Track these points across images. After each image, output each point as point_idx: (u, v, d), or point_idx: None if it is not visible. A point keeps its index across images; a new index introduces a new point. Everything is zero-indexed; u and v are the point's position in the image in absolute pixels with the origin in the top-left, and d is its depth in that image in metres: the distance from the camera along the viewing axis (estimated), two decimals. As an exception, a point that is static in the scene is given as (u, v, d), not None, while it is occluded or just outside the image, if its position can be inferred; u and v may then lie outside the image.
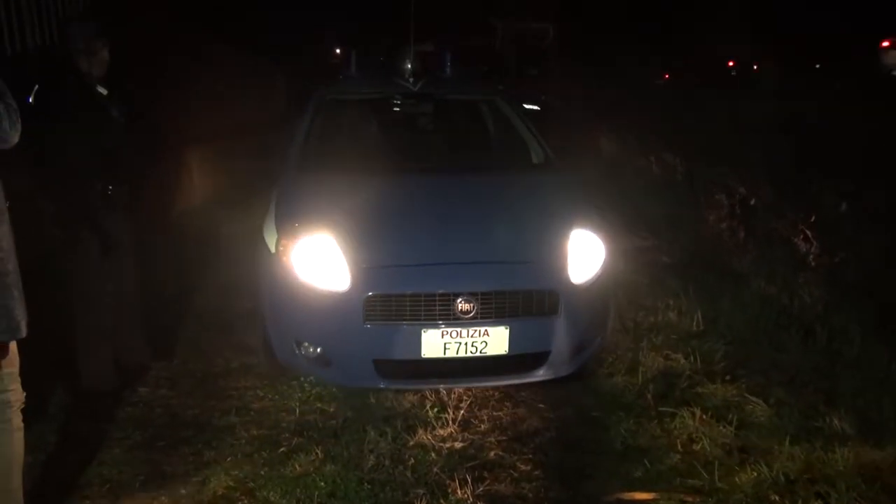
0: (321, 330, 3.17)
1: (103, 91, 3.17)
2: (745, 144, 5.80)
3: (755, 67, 20.55)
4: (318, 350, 3.18)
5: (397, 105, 4.65)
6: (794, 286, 4.28)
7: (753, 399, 3.27)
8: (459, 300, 3.01)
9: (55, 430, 3.01)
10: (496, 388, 3.45)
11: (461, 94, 4.84)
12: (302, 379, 3.48)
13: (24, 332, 2.05)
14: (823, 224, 4.58)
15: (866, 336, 3.71)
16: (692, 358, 3.70)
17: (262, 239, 3.47)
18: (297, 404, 3.28)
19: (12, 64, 3.99)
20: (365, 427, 3.05)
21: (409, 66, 4.42)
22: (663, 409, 3.22)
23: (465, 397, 3.36)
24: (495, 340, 3.06)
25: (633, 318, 4.24)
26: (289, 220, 3.36)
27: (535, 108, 14.71)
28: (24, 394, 2.18)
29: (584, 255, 3.29)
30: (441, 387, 3.33)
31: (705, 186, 5.72)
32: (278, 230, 3.34)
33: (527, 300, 3.11)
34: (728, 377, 3.51)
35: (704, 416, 3.13)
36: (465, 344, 3.04)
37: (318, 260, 3.16)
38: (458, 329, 3.02)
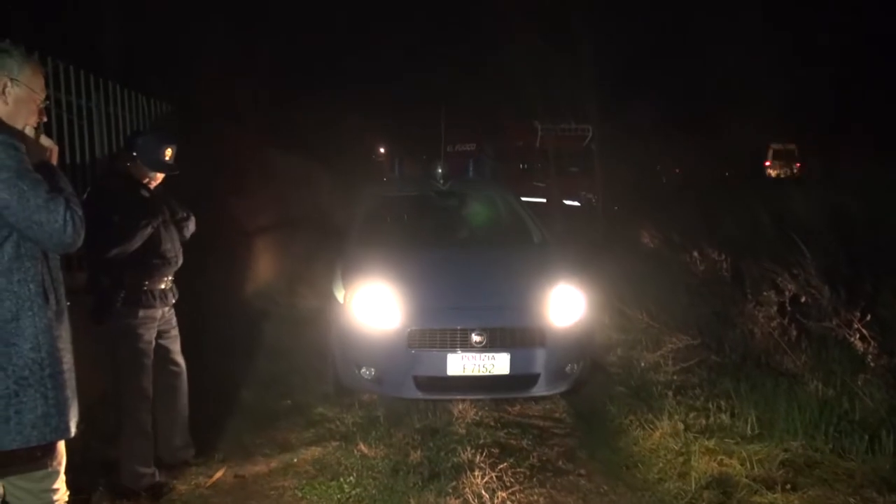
0: (376, 356, 4.24)
1: (146, 193, 3.29)
2: (793, 239, 5.67)
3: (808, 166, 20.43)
4: (373, 371, 4.22)
5: (430, 199, 5.90)
6: (854, 388, 4.08)
7: (818, 511, 3.07)
8: (474, 333, 4.11)
9: (94, 528, 2.98)
10: (502, 401, 4.49)
11: (479, 191, 6.26)
12: (341, 479, 3.45)
13: (72, 433, 2.06)
14: (881, 323, 4.40)
15: (937, 443, 3.47)
16: (748, 464, 3.52)
17: (332, 294, 4.61)
18: (336, 507, 3.20)
19: (82, 173, 4.23)
20: (404, 533, 2.95)
21: (441, 170, 5.79)
22: (720, 520, 3.05)
23: (508, 502, 3.24)
24: (500, 363, 4.12)
25: (684, 419, 4.08)
26: (354, 277, 4.49)
27: (576, 203, 14.87)
28: (68, 493, 2.18)
29: (565, 303, 4.37)
30: (460, 397, 4.36)
31: (753, 283, 5.58)
32: (345, 285, 4.47)
33: (522, 334, 4.24)
34: (789, 486, 3.31)
35: (765, 529, 2.94)
36: (478, 365, 4.10)
37: (375, 304, 4.27)
38: (473, 354, 4.10)
